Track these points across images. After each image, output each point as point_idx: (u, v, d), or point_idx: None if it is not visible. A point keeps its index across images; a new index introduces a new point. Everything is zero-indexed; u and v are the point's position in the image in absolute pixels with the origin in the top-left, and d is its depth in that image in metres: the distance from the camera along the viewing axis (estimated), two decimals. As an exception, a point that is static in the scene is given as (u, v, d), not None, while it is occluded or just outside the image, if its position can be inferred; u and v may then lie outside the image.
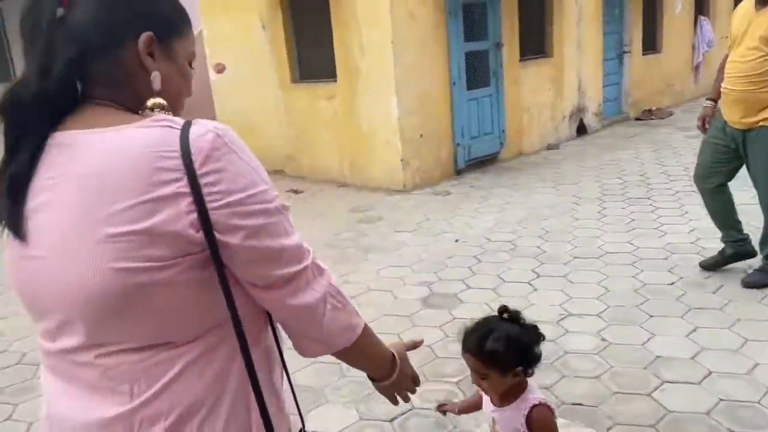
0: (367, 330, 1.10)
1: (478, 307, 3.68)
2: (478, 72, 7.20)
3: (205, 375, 0.95)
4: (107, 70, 0.95)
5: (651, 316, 3.39)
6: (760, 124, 3.39)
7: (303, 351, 1.07)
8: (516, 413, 1.70)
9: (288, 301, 0.98)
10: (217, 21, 8.29)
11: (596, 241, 4.64)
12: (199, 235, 0.89)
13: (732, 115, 3.51)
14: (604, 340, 3.20)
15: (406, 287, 4.13)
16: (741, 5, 3.53)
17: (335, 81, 6.98)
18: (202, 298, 0.93)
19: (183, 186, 0.87)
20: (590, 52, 8.90)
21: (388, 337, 1.91)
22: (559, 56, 8.38)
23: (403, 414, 2.67)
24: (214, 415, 0.95)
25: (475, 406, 1.93)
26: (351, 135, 6.99)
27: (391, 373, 1.22)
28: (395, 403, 1.31)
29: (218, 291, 0.93)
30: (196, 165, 0.88)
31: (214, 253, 0.90)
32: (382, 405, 2.67)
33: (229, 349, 0.97)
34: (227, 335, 0.96)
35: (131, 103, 0.98)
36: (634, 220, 5.08)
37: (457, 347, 1.74)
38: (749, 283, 3.63)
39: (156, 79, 0.97)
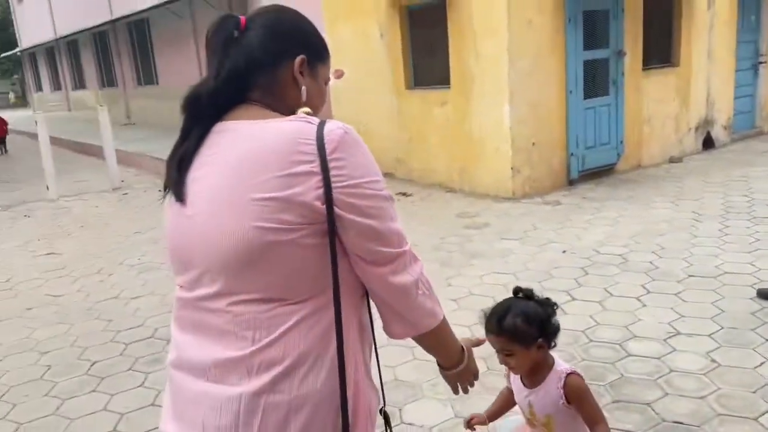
0: (445, 321, 1.25)
1: (582, 319, 3.65)
2: (596, 80, 7.04)
3: (313, 332, 1.12)
4: (266, 81, 1.21)
5: (766, 340, 3.21)
6: None
7: (391, 331, 1.22)
8: (551, 388, 1.76)
9: (389, 278, 1.14)
10: (338, 29, 8.65)
11: (714, 260, 4.42)
12: (323, 208, 1.09)
13: None
14: (713, 361, 3.07)
15: (508, 294, 4.14)
16: None
17: (449, 88, 7.08)
18: (316, 263, 1.11)
19: (315, 167, 1.08)
20: (721, 62, 8.41)
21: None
22: (687, 65, 7.99)
23: (497, 415, 2.72)
24: (317, 368, 1.12)
25: (504, 407, 1.97)
26: (462, 141, 7.06)
27: (459, 364, 1.36)
28: (456, 392, 1.44)
29: (329, 259, 1.12)
30: (327, 152, 1.09)
31: (331, 224, 1.10)
32: (477, 403, 2.74)
33: (333, 314, 1.14)
34: (331, 302, 1.13)
35: (280, 108, 1.22)
36: (758, 240, 4.78)
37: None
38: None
39: (304, 92, 1.23)
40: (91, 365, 3.55)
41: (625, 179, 7.23)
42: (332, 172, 1.08)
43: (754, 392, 2.77)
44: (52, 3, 22.90)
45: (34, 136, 17.49)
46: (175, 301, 1.22)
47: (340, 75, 8.83)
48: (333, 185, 1.08)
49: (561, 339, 3.26)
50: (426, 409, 2.86)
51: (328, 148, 1.09)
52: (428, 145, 7.57)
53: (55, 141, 15.84)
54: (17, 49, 30.04)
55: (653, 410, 2.69)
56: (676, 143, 8.13)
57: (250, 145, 1.11)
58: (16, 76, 38.36)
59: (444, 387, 2.94)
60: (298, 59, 1.22)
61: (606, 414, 2.56)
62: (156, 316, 4.14)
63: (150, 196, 8.28)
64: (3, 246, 6.32)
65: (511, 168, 6.58)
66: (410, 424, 2.74)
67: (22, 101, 36.84)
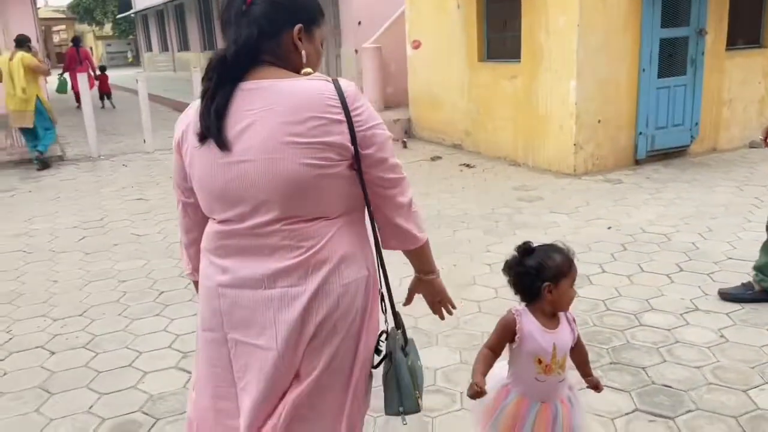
0: (428, 241, 1.67)
1: (606, 290, 3.79)
2: (673, 59, 6.88)
3: (350, 236, 1.53)
4: (273, 47, 1.48)
5: (784, 323, 3.26)
6: None
7: (389, 244, 1.62)
8: (565, 327, 1.94)
9: (397, 198, 1.55)
10: (418, 2, 8.83)
11: (758, 245, 4.38)
12: (351, 147, 1.45)
13: None
14: (722, 336, 3.16)
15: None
16: None
17: (519, 62, 7.14)
18: (350, 189, 1.50)
19: (342, 116, 1.43)
20: (819, 44, 7.93)
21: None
22: (777, 47, 7.61)
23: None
24: (356, 262, 1.54)
25: (489, 363, 1.92)
26: (528, 115, 7.14)
27: (434, 272, 1.74)
28: (438, 312, 1.80)
29: (358, 186, 1.51)
30: (349, 103, 1.44)
31: (357, 161, 1.47)
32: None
33: (362, 225, 1.60)
34: (360, 217, 1.59)
35: (289, 68, 1.50)
36: (815, 229, 4.66)
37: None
38: (724, 294, 3.58)
39: (304, 56, 1.51)
40: (159, 294, 4.07)
41: (697, 162, 7.07)
42: (354, 120, 1.43)
43: (752, 368, 2.87)
44: (163, -32, 24.20)
45: (135, 92, 18.79)
46: (214, 235, 1.53)
47: (417, 45, 9.04)
48: (356, 129, 1.44)
49: (579, 306, 3.46)
50: (436, 355, 3.14)
51: (349, 101, 1.43)
52: (496, 119, 7.68)
53: (157, 99, 16.97)
54: (131, 11, 31.97)
55: (646, 374, 2.85)
56: (759, 128, 7.79)
57: (289, 100, 1.41)
58: (131, 37, 40.79)
59: (457, 339, 3.24)
60: (296, 28, 1.48)
61: (599, 373, 2.78)
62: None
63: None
64: (103, 190, 7.07)
65: (574, 144, 6.61)
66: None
67: (137, 60, 39.18)
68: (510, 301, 3.68)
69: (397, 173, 1.55)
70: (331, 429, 1.56)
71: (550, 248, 1.94)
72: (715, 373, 2.84)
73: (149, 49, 31.00)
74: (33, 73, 8.04)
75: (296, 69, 1.50)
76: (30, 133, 8.30)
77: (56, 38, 47.39)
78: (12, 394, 2.93)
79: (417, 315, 3.55)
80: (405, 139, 9.02)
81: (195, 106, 1.50)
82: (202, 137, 1.45)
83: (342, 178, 1.46)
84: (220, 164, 1.44)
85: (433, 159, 7.92)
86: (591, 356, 2.71)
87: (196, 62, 22.10)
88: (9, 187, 7.27)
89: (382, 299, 1.66)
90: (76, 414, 2.74)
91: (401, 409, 1.61)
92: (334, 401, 1.55)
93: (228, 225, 1.49)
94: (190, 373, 2.92)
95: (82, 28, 44.65)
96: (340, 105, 1.41)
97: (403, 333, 1.68)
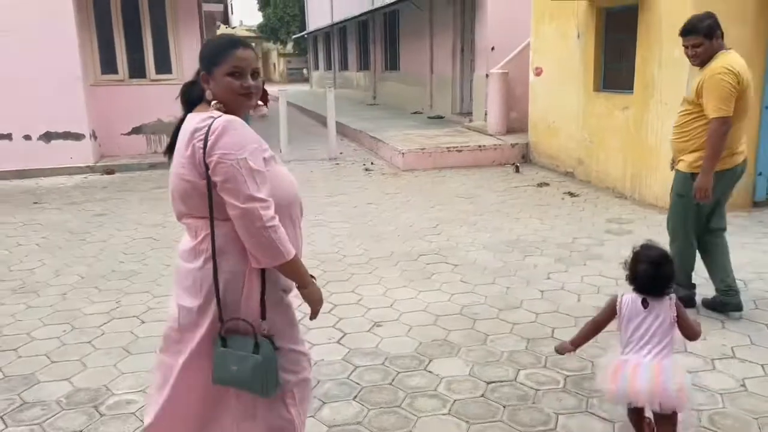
0: (295, 259, 1.93)
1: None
2: (805, 97, 6.39)
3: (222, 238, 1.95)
4: (199, 89, 2.01)
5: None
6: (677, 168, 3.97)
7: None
8: (665, 304, 2.43)
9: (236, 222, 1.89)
10: (543, 27, 8.95)
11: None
12: (203, 171, 1.87)
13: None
14: (742, 385, 3.09)
15: (598, 295, 4.35)
16: None
17: (632, 93, 7.03)
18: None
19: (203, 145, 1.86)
20: None
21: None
22: None
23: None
24: (227, 257, 1.93)
25: (589, 334, 2.61)
26: (637, 147, 6.99)
27: (306, 287, 2.03)
28: (314, 316, 2.10)
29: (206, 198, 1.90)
30: (210, 136, 1.85)
31: (208, 182, 1.87)
32: (494, 371, 3.20)
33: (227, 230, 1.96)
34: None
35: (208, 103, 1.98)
36: None
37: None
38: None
39: (209, 94, 1.98)
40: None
41: (827, 209, 6.48)
42: (207, 149, 1.83)
43: (755, 418, 2.81)
44: (333, -8, 26.10)
45: (300, 108, 20.44)
46: None
47: (539, 72, 9.15)
48: (207, 157, 1.84)
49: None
50: (450, 364, 3.39)
51: (211, 133, 1.83)
52: (607, 149, 7.58)
53: (307, 113, 18.38)
54: (304, 32, 34.66)
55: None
56: None
57: (184, 129, 1.93)
58: (307, 55, 44.14)
59: (475, 353, 3.47)
60: (201, 75, 1.97)
61: (594, 402, 2.90)
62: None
63: (353, 169, 9.58)
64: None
65: (680, 180, 6.38)
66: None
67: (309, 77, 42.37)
68: (545, 326, 3.83)
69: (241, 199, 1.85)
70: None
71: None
72: (713, 418, 2.82)
73: (317, 67, 33.37)
74: None
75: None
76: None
77: (245, 55, 52.62)
78: (103, 350, 3.66)
79: (450, 328, 3.84)
80: (518, 164, 9.13)
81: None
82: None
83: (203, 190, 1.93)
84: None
85: (540, 185, 7.98)
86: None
87: (354, 81, 23.54)
88: (157, 186, 8.48)
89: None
90: (140, 372, 3.37)
91: (265, 385, 1.95)
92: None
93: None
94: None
95: (268, 46, 49.19)
96: (204, 137, 1.85)
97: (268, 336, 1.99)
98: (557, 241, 5.59)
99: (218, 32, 45.81)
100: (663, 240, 5.33)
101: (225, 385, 1.96)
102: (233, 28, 51.46)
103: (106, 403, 3.06)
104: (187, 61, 10.39)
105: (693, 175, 3.82)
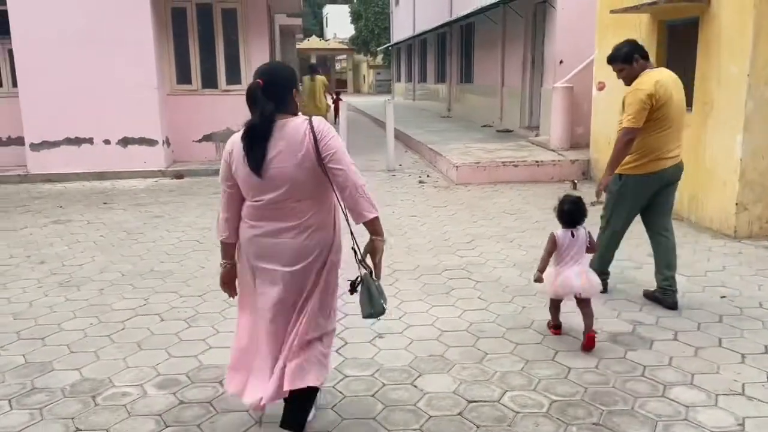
0: (378, 218, 2.53)
1: (656, 356, 3.60)
2: None
3: (322, 213, 2.63)
4: (287, 101, 2.58)
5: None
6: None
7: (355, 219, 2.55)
8: (582, 233, 3.78)
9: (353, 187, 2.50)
10: (607, 40, 8.65)
11: None
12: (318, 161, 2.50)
13: None
14: (740, 425, 2.88)
15: (616, 320, 4.18)
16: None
17: (690, 110, 6.69)
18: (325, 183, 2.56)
19: (313, 142, 2.48)
20: None
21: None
22: None
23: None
24: (326, 229, 2.62)
25: (546, 261, 3.79)
26: (694, 168, 6.62)
27: (382, 236, 2.56)
28: (377, 273, 2.60)
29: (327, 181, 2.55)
30: (317, 134, 2.49)
31: (323, 168, 2.51)
32: (484, 390, 3.15)
33: (331, 206, 2.67)
34: (329, 200, 2.64)
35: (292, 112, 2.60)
36: None
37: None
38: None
39: (299, 103, 2.65)
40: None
41: None
42: (320, 144, 2.47)
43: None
44: (416, 4, 26.32)
45: (374, 119, 20.68)
46: (247, 208, 2.59)
47: (602, 87, 8.88)
48: (321, 150, 2.48)
49: (609, 369, 3.42)
50: (438, 380, 3.37)
51: (317, 132, 2.47)
52: (665, 168, 7.23)
53: (381, 125, 18.58)
54: (388, 44, 35.14)
55: None
56: None
57: (290, 134, 2.54)
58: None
59: (468, 371, 3.43)
60: (294, 90, 2.61)
61: (573, 430, 2.81)
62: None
63: (408, 181, 9.63)
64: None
65: (737, 204, 6.02)
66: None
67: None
68: (549, 349, 3.72)
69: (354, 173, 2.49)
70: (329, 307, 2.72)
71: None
72: None
73: (399, 79, 33.72)
74: (325, 91, 12.65)
75: (296, 112, 2.62)
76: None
77: (338, 66, 54.31)
78: (117, 344, 3.90)
79: (451, 344, 3.80)
80: (576, 181, 8.87)
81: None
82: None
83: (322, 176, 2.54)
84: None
85: (592, 204, 7.66)
86: (580, 413, 2.85)
87: (434, 93, 23.61)
88: (216, 191, 8.84)
89: (355, 253, 2.61)
90: (144, 367, 3.57)
91: (372, 311, 2.55)
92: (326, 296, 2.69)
93: (253, 202, 2.57)
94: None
95: (359, 58, 50.28)
96: (311, 135, 2.49)
97: (369, 271, 2.57)
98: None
99: (303, 45, 47.44)
100: (701, 266, 5.11)
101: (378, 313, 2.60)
102: (327, 40, 53.22)
103: (104, 394, 3.26)
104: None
105: (620, 176, 4.39)
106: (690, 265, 5.28)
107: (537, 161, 9.37)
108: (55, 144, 10.01)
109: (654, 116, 4.16)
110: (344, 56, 53.05)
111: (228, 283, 2.80)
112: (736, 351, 3.68)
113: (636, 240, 5.36)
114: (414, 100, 27.68)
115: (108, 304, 4.57)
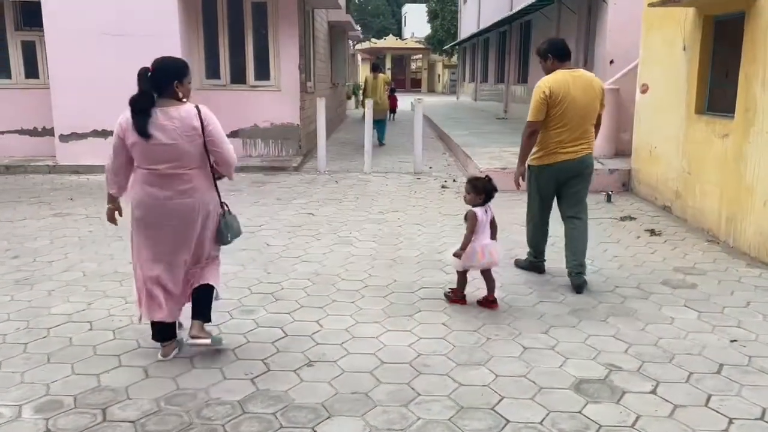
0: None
1: (624, 414, 2.97)
2: None
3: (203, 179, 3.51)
4: (168, 90, 3.36)
5: None
6: None
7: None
8: (489, 209, 4.33)
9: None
10: (652, 36, 7.86)
11: None
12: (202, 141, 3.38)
13: None
14: None
15: (588, 362, 3.55)
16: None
17: (733, 117, 5.85)
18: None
19: (200, 125, 3.35)
20: None
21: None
22: None
23: None
24: (209, 192, 3.51)
25: (469, 239, 4.22)
26: (734, 184, 5.79)
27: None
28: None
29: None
30: (204, 120, 3.35)
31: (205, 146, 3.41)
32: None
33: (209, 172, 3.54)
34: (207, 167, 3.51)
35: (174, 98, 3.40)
36: None
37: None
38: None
39: (185, 95, 3.44)
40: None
41: None
42: (205, 128, 3.34)
43: None
44: (482, 2, 25.53)
45: (428, 120, 20.12)
46: (140, 174, 3.39)
47: (645, 90, 8.07)
48: (205, 134, 3.36)
49: None
50: (347, 425, 2.88)
51: (203, 117, 3.34)
52: (704, 182, 6.39)
53: (433, 126, 18.00)
54: (454, 42, 34.39)
55: None
56: None
57: (180, 117, 3.34)
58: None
59: (384, 417, 2.95)
60: (175, 83, 3.37)
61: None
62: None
63: (431, 185, 9.08)
64: (294, 202, 7.92)
65: (778, 227, 5.16)
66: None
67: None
68: (494, 394, 3.16)
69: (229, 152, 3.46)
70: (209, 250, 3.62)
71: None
72: None
73: (465, 78, 32.95)
74: (387, 88, 13.70)
75: (181, 101, 3.41)
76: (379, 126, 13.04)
77: (413, 65, 54.10)
78: (27, 355, 3.61)
79: (384, 380, 3.30)
80: (610, 192, 8.04)
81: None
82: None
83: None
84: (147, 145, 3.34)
85: (623, 219, 6.95)
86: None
87: (495, 93, 22.79)
88: (235, 189, 8.57)
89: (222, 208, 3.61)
90: (37, 384, 3.26)
91: (229, 238, 3.61)
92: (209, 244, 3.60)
93: (146, 170, 3.37)
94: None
95: (435, 57, 49.76)
96: (199, 120, 3.34)
97: (227, 213, 3.62)
98: (597, 288, 4.73)
99: (378, 44, 47.24)
100: (722, 300, 4.41)
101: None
102: (404, 39, 52.91)
103: (-25, 414, 2.97)
104: (284, 68, 10.56)
105: (530, 167, 4.82)
106: (706, 299, 4.51)
107: (571, 169, 8.60)
108: (82, 136, 10.08)
109: (551, 113, 4.51)
110: (420, 56, 52.65)
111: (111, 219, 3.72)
112: (722, 414, 2.99)
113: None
114: (476, 101, 26.92)
115: (47, 307, 4.32)
